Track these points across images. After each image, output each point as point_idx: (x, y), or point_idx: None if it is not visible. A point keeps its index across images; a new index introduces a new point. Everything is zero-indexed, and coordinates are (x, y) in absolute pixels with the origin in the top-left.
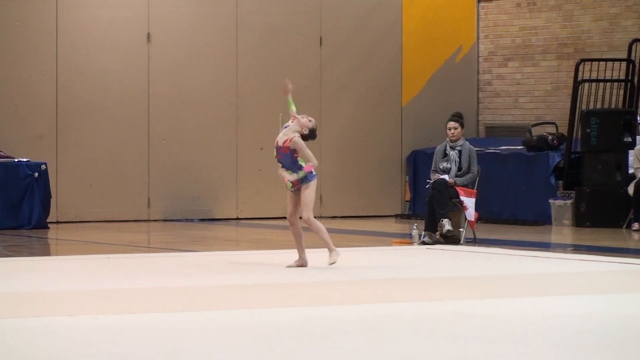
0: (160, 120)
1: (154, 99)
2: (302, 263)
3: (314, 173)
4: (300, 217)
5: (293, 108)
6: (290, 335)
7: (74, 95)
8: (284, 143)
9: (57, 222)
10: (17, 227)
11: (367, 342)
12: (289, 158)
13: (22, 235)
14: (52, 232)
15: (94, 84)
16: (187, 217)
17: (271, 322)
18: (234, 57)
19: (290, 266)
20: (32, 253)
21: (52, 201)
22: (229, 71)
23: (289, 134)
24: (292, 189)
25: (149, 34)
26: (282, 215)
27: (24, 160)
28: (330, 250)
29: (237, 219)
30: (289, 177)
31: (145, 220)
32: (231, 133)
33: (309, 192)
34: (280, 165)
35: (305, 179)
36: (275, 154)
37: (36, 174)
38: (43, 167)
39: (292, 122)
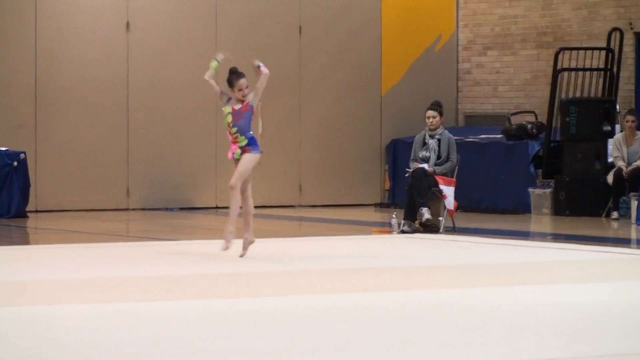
0: (140, 109)
1: (134, 88)
2: (250, 239)
3: (260, 149)
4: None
5: (213, 71)
6: (270, 324)
7: (53, 84)
8: (242, 104)
9: (37, 212)
10: None
11: (347, 331)
12: (248, 118)
13: (1, 224)
14: (31, 221)
15: (73, 72)
16: (167, 205)
17: (252, 311)
18: (213, 46)
19: (242, 255)
20: (11, 242)
21: (31, 190)
22: (208, 59)
23: (246, 98)
24: (240, 156)
25: (128, 22)
26: (262, 204)
27: (3, 149)
28: (246, 236)
29: (217, 207)
30: (240, 143)
31: (125, 209)
32: (211, 121)
33: (248, 162)
34: (234, 133)
35: (253, 145)
36: (231, 122)
37: (15, 163)
38: (22, 156)
39: (240, 94)
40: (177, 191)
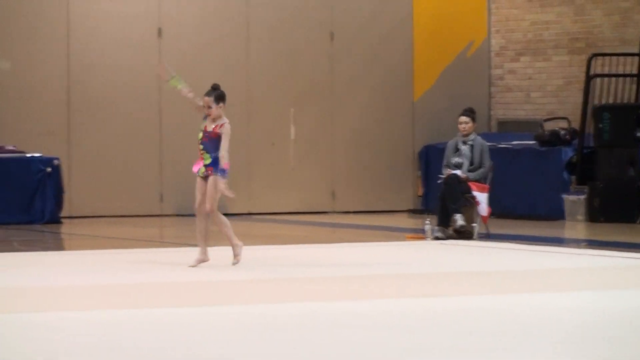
0: (172, 115)
1: (166, 94)
2: (204, 258)
3: (227, 173)
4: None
5: (181, 85)
6: (294, 330)
7: (86, 91)
8: (213, 128)
9: (70, 217)
10: (30, 222)
11: (369, 336)
12: (215, 143)
13: (35, 230)
14: (65, 227)
15: (106, 79)
16: None
17: (279, 316)
18: (244, 52)
19: (192, 266)
20: (45, 248)
21: (65, 196)
22: (240, 66)
23: (217, 120)
24: (204, 174)
25: (160, 29)
26: (295, 211)
27: (36, 155)
28: (234, 246)
29: (249, 213)
30: (205, 161)
31: (158, 215)
32: (242, 128)
33: (215, 186)
34: (201, 150)
35: (215, 167)
36: (200, 139)
37: (49, 169)
38: (56, 162)
39: (207, 111)
40: None
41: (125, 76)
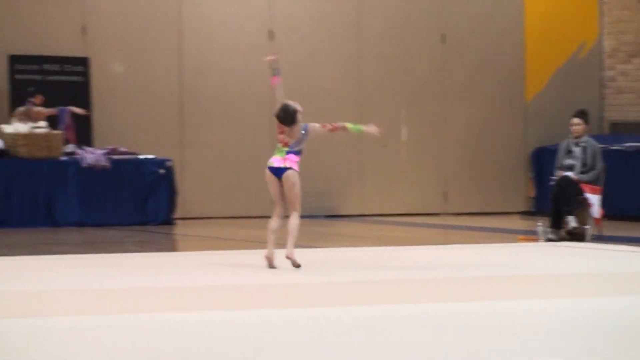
0: None
1: None
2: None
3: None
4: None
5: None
6: (388, 331)
7: (198, 93)
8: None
9: (183, 219)
10: (143, 223)
11: (486, 337)
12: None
13: (148, 231)
14: (178, 228)
15: (218, 81)
16: (313, 213)
17: (394, 317)
18: (356, 54)
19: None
20: (157, 249)
21: (178, 197)
22: (352, 68)
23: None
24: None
25: (271, 30)
26: (407, 212)
27: (150, 157)
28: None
29: (362, 215)
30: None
31: (269, 217)
32: None
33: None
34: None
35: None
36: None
37: (162, 171)
38: (169, 163)
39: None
40: (323, 199)
41: (237, 78)
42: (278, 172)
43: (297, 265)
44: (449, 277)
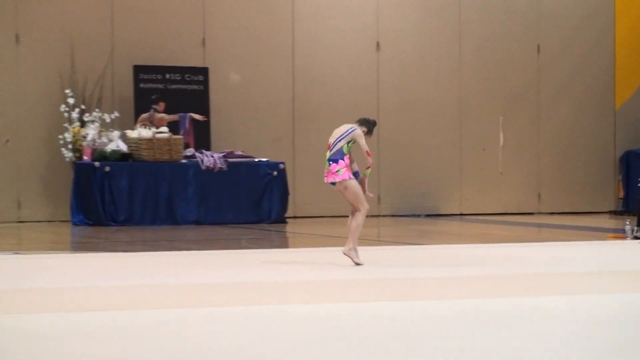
0: (389, 123)
1: (383, 103)
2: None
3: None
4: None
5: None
6: (467, 326)
7: (309, 100)
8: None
9: (295, 217)
10: (257, 222)
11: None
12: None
13: (262, 229)
14: (289, 226)
15: (327, 89)
16: (414, 212)
17: (488, 311)
18: (457, 64)
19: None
20: (270, 245)
21: (290, 197)
22: (453, 77)
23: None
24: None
25: (378, 42)
26: (502, 212)
27: (264, 160)
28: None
29: (461, 214)
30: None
31: (376, 216)
32: (455, 134)
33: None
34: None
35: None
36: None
37: (275, 173)
38: (281, 166)
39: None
40: (424, 199)
41: (345, 86)
42: (332, 184)
43: (357, 264)
44: (538, 272)
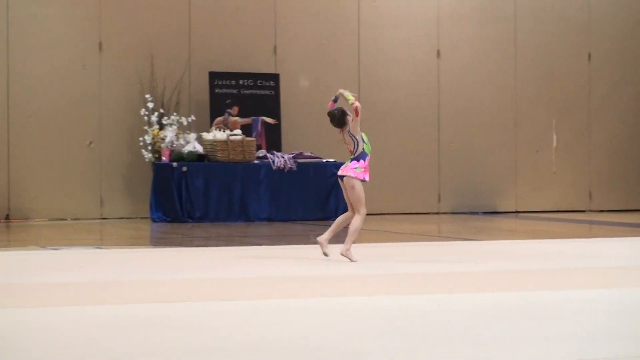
0: (449, 126)
1: (444, 107)
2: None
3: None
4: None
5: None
6: (501, 319)
7: (373, 104)
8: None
9: None
10: (325, 218)
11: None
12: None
13: (329, 225)
14: None
15: (391, 94)
16: (472, 210)
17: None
18: (512, 70)
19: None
20: (337, 241)
21: None
22: (508, 82)
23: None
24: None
25: (438, 50)
26: (553, 209)
27: (331, 160)
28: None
29: (516, 212)
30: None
31: (436, 213)
32: (510, 135)
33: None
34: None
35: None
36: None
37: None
38: None
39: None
40: (482, 197)
41: (408, 92)
42: (341, 178)
43: (353, 261)
44: (589, 266)
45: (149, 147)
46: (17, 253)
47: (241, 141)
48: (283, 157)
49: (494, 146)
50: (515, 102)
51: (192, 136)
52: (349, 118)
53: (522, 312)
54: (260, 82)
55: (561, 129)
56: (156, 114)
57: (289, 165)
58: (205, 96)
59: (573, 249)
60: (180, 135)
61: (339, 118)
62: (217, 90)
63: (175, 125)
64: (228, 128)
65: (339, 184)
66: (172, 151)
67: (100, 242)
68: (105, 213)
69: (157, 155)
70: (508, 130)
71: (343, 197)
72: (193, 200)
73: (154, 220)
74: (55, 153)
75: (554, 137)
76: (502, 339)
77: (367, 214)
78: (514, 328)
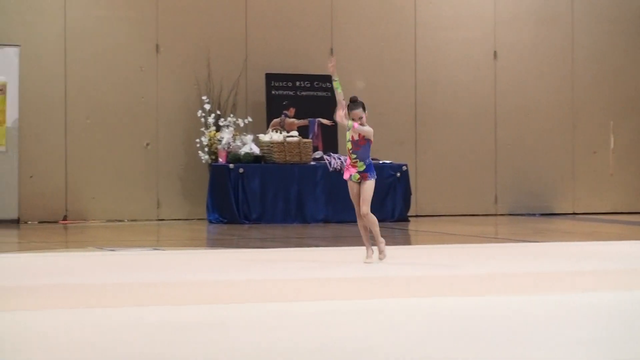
0: (505, 127)
1: (500, 108)
2: (370, 256)
3: (375, 174)
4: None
5: (340, 89)
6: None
7: (430, 105)
8: (360, 137)
9: (417, 216)
10: (382, 220)
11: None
12: (366, 149)
13: (385, 226)
14: (411, 225)
15: (448, 95)
16: (529, 211)
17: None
18: (569, 72)
19: (368, 262)
20: (394, 242)
21: (412, 197)
22: (565, 84)
23: (362, 129)
24: (357, 181)
25: (495, 51)
26: (612, 211)
27: (388, 162)
28: (380, 243)
29: (573, 213)
30: (359, 168)
31: (493, 215)
32: (568, 138)
33: (370, 189)
34: (353, 159)
35: (370, 172)
36: (351, 149)
37: (398, 174)
38: (404, 167)
39: (359, 122)
40: (539, 199)
41: (465, 93)
42: (366, 178)
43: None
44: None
45: (206, 149)
46: (76, 254)
47: (298, 143)
48: (339, 159)
49: (551, 147)
50: (573, 103)
51: (249, 138)
52: (366, 115)
53: (598, 312)
54: (316, 84)
55: (619, 130)
56: (213, 115)
57: None
58: (261, 98)
59: (631, 250)
60: (237, 137)
61: (362, 104)
62: (273, 92)
63: (231, 126)
64: (285, 129)
65: (395, 185)
66: (228, 153)
67: (157, 243)
68: (162, 214)
69: (213, 157)
70: (565, 132)
71: (399, 197)
72: (249, 201)
73: (210, 222)
74: (112, 155)
75: (612, 139)
76: (572, 342)
77: (425, 216)
78: (586, 329)
